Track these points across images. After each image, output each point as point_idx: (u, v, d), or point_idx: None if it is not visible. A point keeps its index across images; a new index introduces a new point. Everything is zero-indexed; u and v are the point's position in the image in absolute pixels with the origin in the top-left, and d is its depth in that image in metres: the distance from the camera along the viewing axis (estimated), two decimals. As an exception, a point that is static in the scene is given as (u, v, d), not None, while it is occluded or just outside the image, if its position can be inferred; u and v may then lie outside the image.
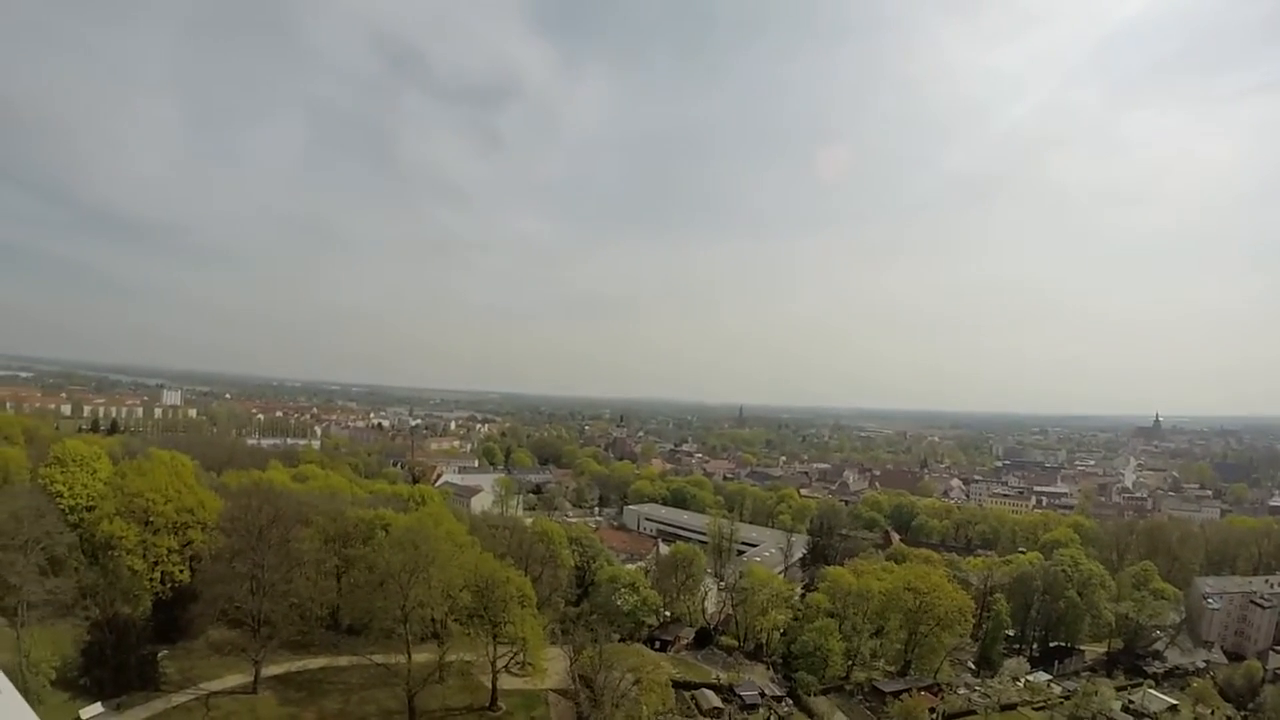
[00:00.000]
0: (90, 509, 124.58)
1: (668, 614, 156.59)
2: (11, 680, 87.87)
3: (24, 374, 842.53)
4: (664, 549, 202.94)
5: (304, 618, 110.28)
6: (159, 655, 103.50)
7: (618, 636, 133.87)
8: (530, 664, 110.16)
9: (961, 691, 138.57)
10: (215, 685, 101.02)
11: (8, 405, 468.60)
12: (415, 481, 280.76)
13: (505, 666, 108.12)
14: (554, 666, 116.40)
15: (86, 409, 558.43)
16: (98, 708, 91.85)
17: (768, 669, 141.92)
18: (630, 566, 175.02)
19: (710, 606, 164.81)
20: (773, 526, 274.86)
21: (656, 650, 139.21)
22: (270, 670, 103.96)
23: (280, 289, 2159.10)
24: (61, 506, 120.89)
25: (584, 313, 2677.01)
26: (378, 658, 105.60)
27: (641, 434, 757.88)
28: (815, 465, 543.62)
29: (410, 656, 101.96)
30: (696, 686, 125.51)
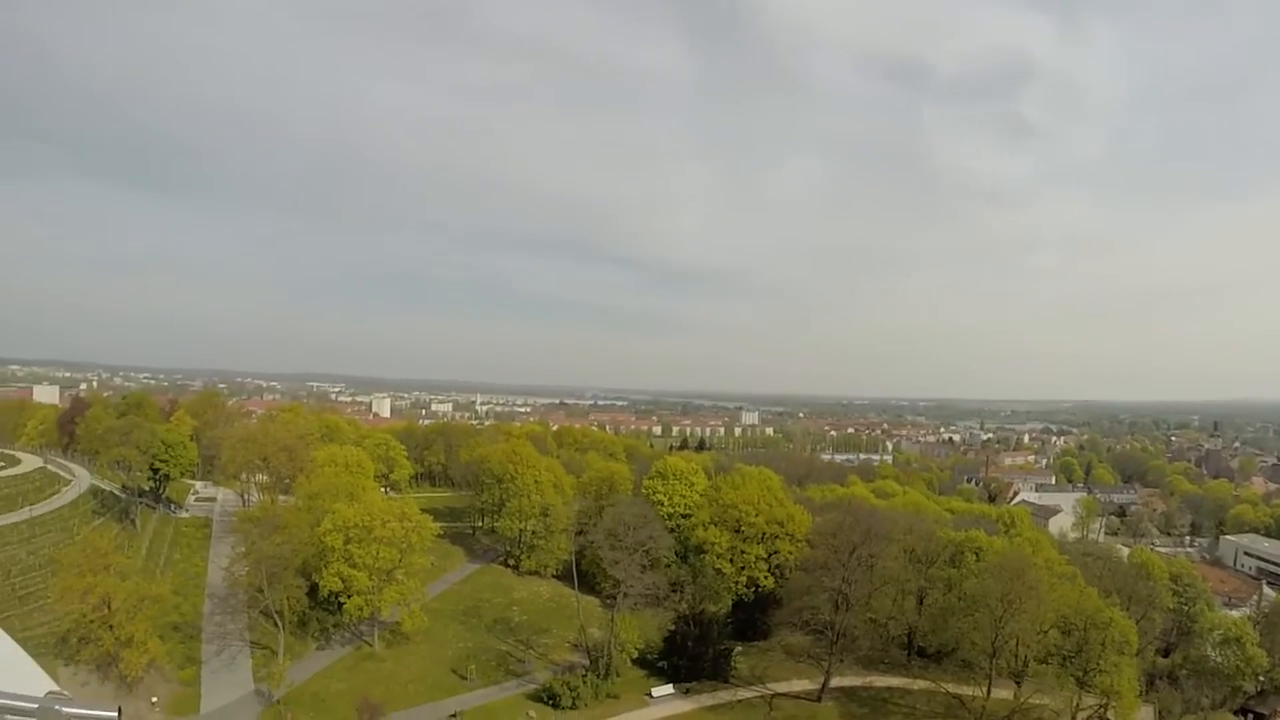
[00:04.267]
0: (686, 516, 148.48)
1: (1262, 679, 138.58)
2: (597, 655, 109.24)
3: (619, 402, 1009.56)
4: (1268, 593, 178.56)
5: (880, 635, 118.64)
6: (734, 651, 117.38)
7: (1206, 701, 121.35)
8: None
9: None
10: (781, 687, 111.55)
11: (607, 427, 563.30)
12: (991, 499, 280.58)
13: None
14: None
15: (675, 429, 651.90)
16: (668, 688, 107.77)
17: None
18: (1233, 614, 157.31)
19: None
20: None
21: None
22: (838, 681, 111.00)
23: (833, 312, 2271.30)
24: (661, 514, 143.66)
25: (1154, 305, 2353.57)
26: (950, 687, 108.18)
27: (1238, 444, 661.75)
28: None
29: (989, 693, 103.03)
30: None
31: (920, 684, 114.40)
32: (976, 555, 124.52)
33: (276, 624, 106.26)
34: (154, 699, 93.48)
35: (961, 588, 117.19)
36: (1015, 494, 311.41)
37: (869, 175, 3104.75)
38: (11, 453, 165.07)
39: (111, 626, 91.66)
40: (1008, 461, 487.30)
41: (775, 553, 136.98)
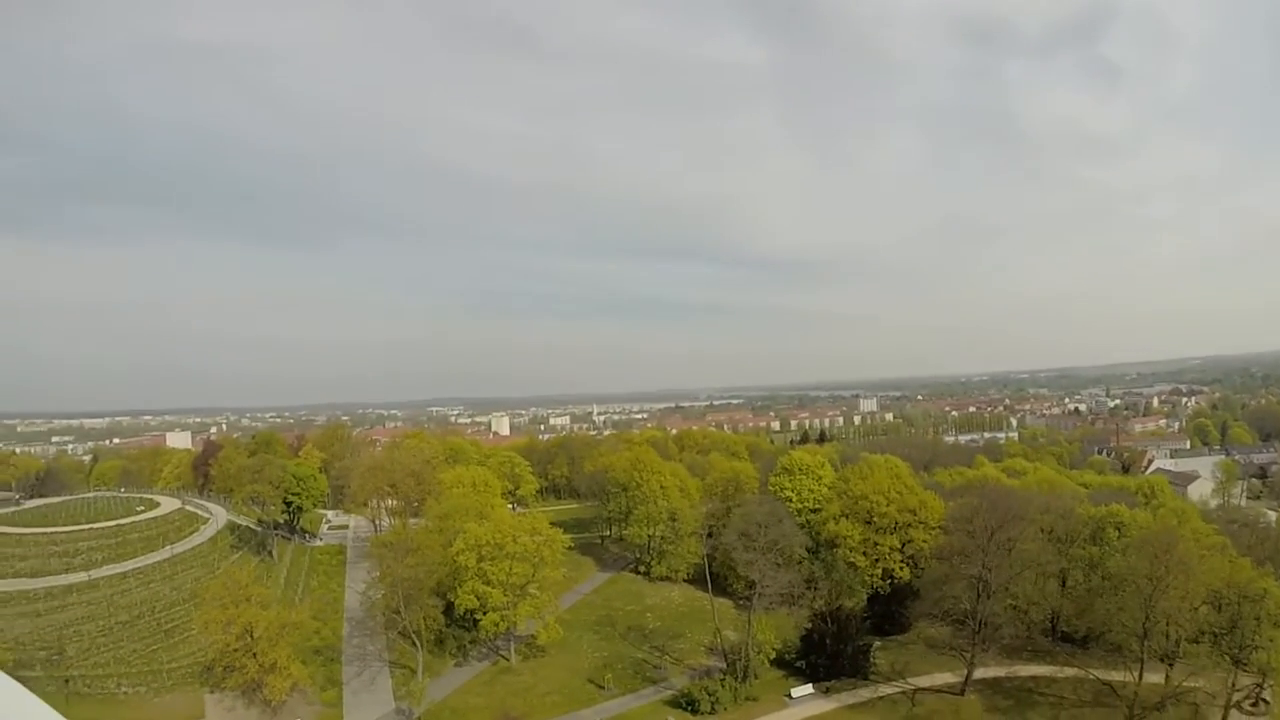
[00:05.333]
0: (815, 511, 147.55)
1: None
2: (734, 657, 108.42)
3: (735, 400, 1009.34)
4: None
5: (1022, 622, 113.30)
6: (873, 646, 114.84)
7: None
8: (1266, 701, 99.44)
9: None
10: (923, 681, 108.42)
11: (725, 427, 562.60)
12: (1125, 470, 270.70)
13: (1238, 702, 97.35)
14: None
15: (793, 423, 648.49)
16: (807, 688, 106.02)
17: None
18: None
19: None
20: None
21: None
22: (981, 673, 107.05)
23: (943, 289, 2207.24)
24: (790, 510, 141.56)
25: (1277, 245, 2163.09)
26: (1099, 673, 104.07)
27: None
28: None
29: (1140, 677, 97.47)
30: None
31: (1068, 671, 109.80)
32: (1119, 531, 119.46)
33: (414, 643, 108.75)
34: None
35: (1105, 566, 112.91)
36: (1149, 462, 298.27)
37: (964, 144, 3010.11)
38: (151, 497, 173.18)
39: (255, 654, 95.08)
40: (1138, 428, 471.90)
41: (909, 542, 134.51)
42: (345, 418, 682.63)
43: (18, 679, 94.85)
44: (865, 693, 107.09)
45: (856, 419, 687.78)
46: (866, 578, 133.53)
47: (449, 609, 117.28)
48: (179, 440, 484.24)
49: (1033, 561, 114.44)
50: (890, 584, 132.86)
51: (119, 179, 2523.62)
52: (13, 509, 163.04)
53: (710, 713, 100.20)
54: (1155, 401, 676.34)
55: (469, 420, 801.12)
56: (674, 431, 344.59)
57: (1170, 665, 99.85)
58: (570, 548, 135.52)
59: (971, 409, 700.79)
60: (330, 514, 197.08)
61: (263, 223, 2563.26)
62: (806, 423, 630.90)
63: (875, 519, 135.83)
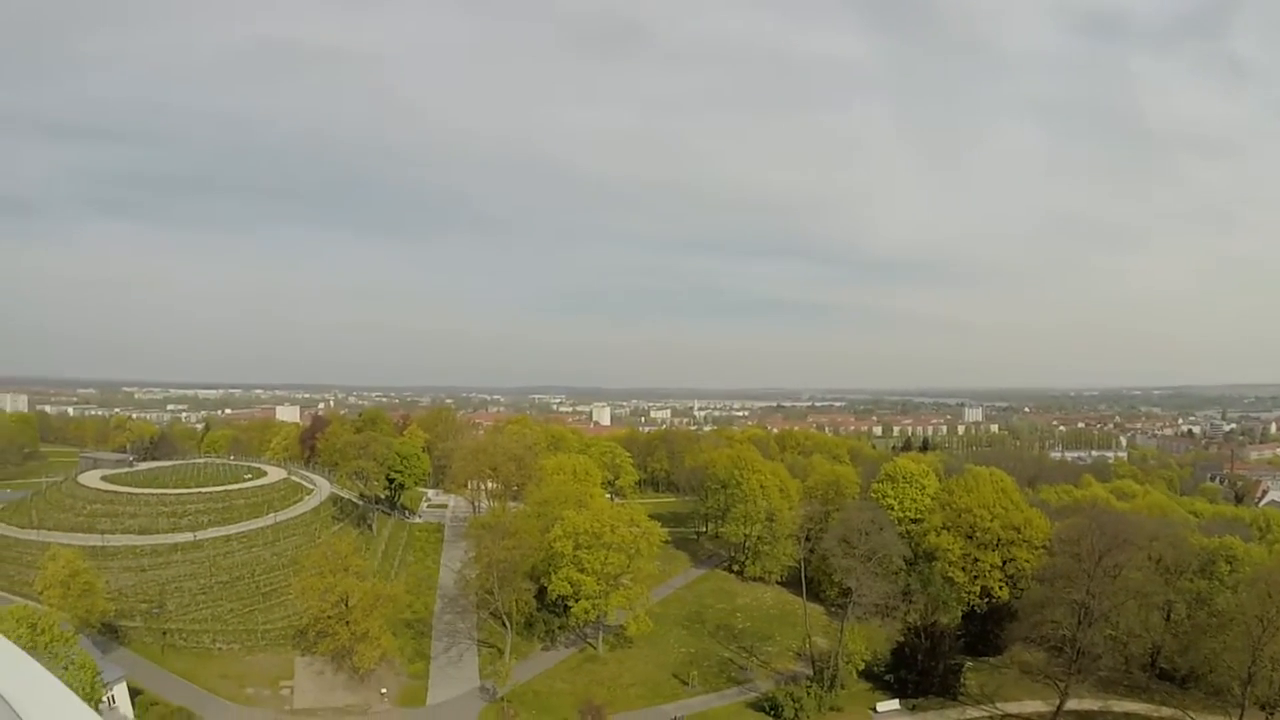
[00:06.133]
0: (916, 521, 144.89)
1: None
2: (822, 665, 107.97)
3: (837, 403, 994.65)
4: None
5: (1121, 654, 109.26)
6: (964, 667, 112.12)
7: None
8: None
9: None
10: (1012, 708, 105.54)
11: (826, 429, 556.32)
12: (1238, 500, 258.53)
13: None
14: None
15: (895, 429, 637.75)
16: (894, 704, 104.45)
17: None
18: None
19: None
20: None
21: None
22: (1074, 704, 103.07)
23: (1053, 295, 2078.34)
24: (891, 518, 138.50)
25: None
26: (1197, 716, 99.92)
27: None
28: None
29: None
30: None
31: (1164, 711, 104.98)
32: (1230, 565, 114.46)
33: (504, 624, 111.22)
34: (383, 690, 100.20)
35: (1213, 603, 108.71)
36: (1264, 493, 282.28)
37: (1078, 141, 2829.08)
38: (258, 466, 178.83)
39: (348, 622, 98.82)
40: (1253, 455, 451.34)
41: (1011, 560, 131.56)
42: (449, 400, 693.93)
43: (118, 628, 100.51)
44: (952, 714, 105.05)
45: (960, 428, 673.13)
46: (964, 594, 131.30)
47: (541, 593, 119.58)
48: (288, 414, 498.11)
49: (1138, 591, 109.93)
50: (988, 603, 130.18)
51: (245, 172, 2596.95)
52: (126, 470, 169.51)
53: (793, 719, 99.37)
54: (1273, 427, 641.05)
55: (570, 409, 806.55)
56: (775, 431, 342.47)
57: (1271, 714, 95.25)
58: (666, 541, 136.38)
59: (1080, 425, 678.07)
60: (431, 493, 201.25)
61: (382, 216, 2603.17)
62: (909, 429, 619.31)
63: (977, 534, 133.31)
